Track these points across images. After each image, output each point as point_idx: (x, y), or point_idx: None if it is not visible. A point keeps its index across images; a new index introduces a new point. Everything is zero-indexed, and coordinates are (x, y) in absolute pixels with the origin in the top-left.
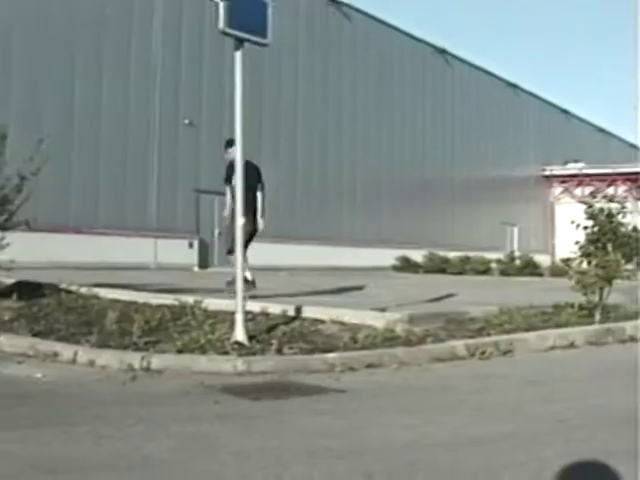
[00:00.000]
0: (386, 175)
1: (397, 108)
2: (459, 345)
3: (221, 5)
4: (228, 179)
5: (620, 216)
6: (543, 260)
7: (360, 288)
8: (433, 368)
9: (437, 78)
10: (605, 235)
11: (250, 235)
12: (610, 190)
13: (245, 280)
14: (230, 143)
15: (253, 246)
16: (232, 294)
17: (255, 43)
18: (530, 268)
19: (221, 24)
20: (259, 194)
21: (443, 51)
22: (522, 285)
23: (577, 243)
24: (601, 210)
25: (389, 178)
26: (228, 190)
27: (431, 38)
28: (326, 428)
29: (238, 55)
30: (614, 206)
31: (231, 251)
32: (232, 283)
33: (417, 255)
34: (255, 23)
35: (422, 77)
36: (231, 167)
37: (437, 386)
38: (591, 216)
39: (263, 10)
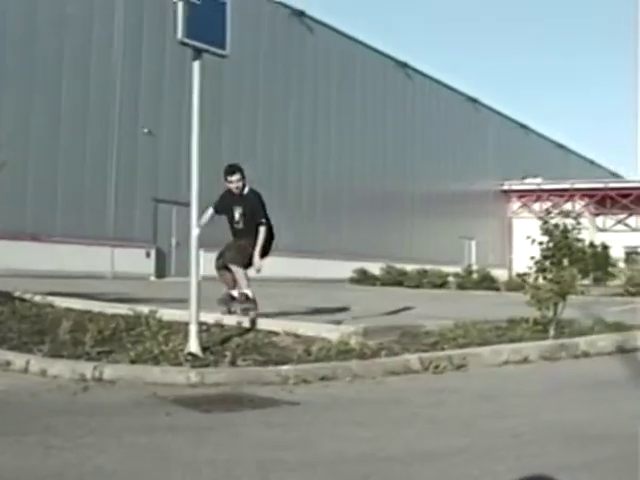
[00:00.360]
0: (346, 187)
1: (358, 121)
2: (413, 359)
3: (180, 15)
4: (219, 210)
5: (575, 232)
6: (500, 274)
7: (318, 301)
8: (387, 381)
9: (398, 91)
10: (560, 251)
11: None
12: (568, 205)
13: (246, 297)
14: (232, 171)
15: (206, 257)
16: (244, 311)
17: (214, 54)
18: (487, 282)
19: (179, 34)
20: (262, 229)
21: (404, 65)
22: (478, 299)
23: (532, 258)
24: (556, 226)
25: (349, 190)
26: (211, 212)
27: (392, 52)
28: (279, 440)
29: (196, 65)
30: (569, 222)
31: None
32: (243, 301)
33: (375, 268)
34: (214, 34)
35: (383, 90)
36: (225, 198)
37: (391, 399)
38: (546, 232)
39: (222, 21)
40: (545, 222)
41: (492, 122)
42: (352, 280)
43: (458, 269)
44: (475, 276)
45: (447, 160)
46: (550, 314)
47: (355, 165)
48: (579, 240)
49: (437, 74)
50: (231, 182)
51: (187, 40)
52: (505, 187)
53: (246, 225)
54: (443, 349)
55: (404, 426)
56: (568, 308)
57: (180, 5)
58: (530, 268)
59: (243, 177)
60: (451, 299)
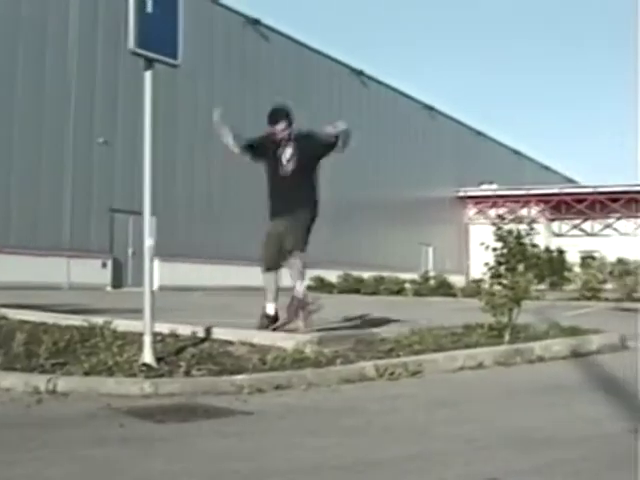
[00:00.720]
0: None
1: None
2: (368, 366)
3: (131, 24)
4: (253, 145)
5: (529, 237)
6: (458, 280)
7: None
8: (342, 389)
9: (354, 99)
10: (515, 257)
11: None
12: (524, 211)
13: (304, 301)
14: (275, 119)
15: (163, 266)
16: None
17: (165, 64)
18: (444, 288)
19: (130, 44)
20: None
21: (360, 72)
22: (435, 305)
23: (486, 264)
24: (509, 232)
25: None
26: (233, 142)
27: (348, 59)
28: (232, 451)
29: (148, 75)
30: (523, 228)
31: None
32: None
33: (332, 275)
34: (166, 43)
35: (339, 98)
36: (267, 142)
37: (346, 407)
38: (500, 238)
39: (174, 31)
40: (498, 228)
41: (448, 129)
42: (310, 288)
43: (415, 275)
44: (432, 282)
45: (404, 167)
46: (505, 319)
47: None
48: (534, 246)
49: (393, 82)
50: (274, 133)
51: (138, 50)
52: (461, 193)
53: (297, 170)
54: (398, 356)
55: (358, 434)
56: (524, 313)
57: (132, 14)
58: (485, 274)
59: (290, 124)
60: (408, 306)
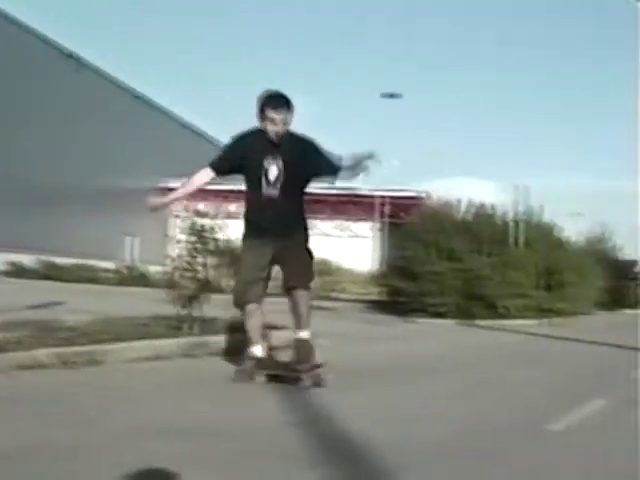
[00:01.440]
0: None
1: (27, 111)
2: (48, 353)
3: None
4: (223, 167)
5: (216, 232)
6: (158, 271)
7: None
8: (18, 376)
9: (66, 83)
10: (204, 250)
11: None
12: (227, 207)
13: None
14: (277, 103)
15: None
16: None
17: None
18: (143, 279)
19: None
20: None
21: (70, 56)
22: (130, 295)
23: (168, 257)
24: (193, 225)
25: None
26: (208, 172)
27: (62, 41)
28: None
29: None
30: (209, 222)
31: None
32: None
33: (29, 260)
34: None
35: (53, 80)
36: (249, 143)
37: (18, 395)
38: (184, 230)
39: None
40: (183, 221)
41: (154, 119)
42: (4, 273)
43: (115, 264)
44: (130, 272)
45: (109, 155)
46: (190, 312)
47: (13, 154)
48: (215, 239)
49: (107, 68)
50: (274, 121)
51: None
52: (162, 184)
53: (286, 190)
54: (81, 344)
55: (28, 422)
56: (214, 307)
57: None
58: (168, 265)
59: (290, 117)
60: (103, 294)
